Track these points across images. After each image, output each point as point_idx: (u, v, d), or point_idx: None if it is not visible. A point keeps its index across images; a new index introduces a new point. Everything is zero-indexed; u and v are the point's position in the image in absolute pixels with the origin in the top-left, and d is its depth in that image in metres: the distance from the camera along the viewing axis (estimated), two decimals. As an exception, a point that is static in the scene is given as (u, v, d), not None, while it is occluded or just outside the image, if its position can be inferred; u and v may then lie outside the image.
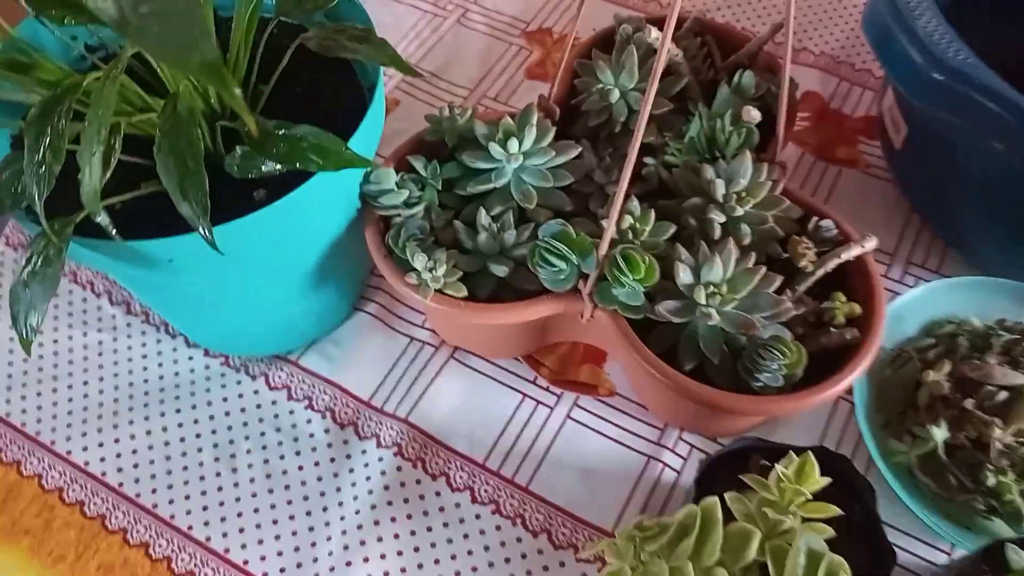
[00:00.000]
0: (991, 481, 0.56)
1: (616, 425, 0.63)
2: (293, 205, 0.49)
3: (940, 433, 0.58)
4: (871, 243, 0.56)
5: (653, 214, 0.56)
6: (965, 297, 0.65)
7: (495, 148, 0.57)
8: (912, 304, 0.64)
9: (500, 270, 0.55)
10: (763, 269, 0.52)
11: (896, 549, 0.48)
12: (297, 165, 0.48)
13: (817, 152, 0.77)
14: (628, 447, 0.62)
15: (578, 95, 0.65)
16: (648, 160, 0.62)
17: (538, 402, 0.64)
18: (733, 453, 0.51)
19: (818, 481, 0.43)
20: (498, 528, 0.58)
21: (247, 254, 0.51)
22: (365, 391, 0.65)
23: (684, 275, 0.52)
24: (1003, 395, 0.59)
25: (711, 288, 0.52)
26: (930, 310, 0.65)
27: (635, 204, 0.56)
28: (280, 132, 0.49)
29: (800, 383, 0.52)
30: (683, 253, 0.53)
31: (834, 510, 0.42)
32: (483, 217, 0.57)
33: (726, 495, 0.43)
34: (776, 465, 0.43)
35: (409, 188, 0.58)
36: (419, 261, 0.53)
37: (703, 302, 0.52)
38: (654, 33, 0.61)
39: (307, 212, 0.52)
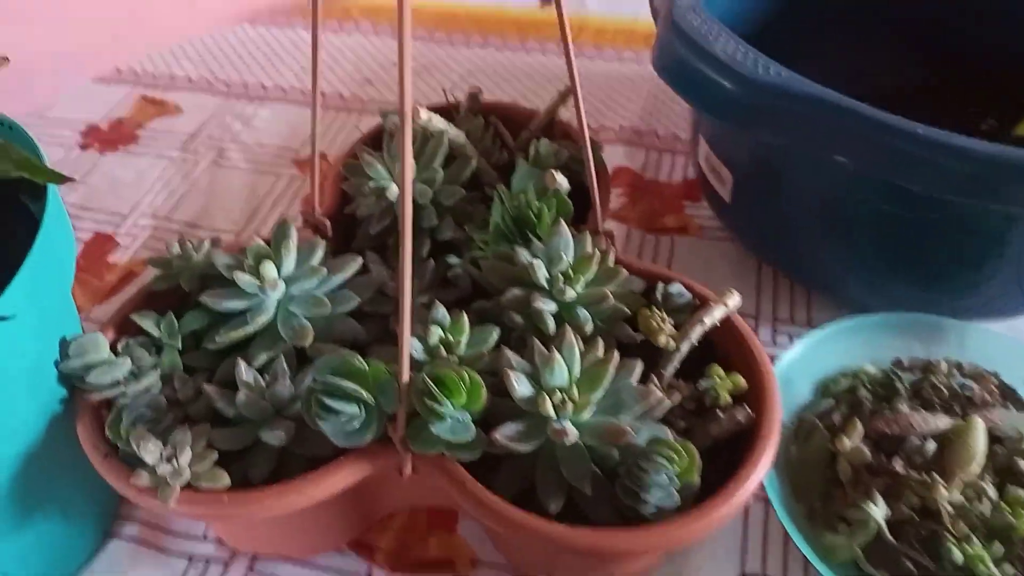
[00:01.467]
0: (956, 556, 0.44)
1: (487, 607, 0.47)
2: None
3: (878, 511, 0.46)
4: (734, 300, 0.46)
5: (467, 319, 0.43)
6: (850, 344, 0.56)
7: (244, 279, 0.43)
8: (797, 364, 0.54)
9: (275, 437, 0.40)
10: (616, 356, 0.40)
11: None
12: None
13: (643, 225, 0.68)
14: (509, 633, 0.46)
15: (351, 203, 0.52)
16: (452, 260, 0.50)
17: (379, 603, 0.47)
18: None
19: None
20: None
21: None
22: (133, 652, 0.45)
23: (520, 386, 0.39)
24: (931, 445, 0.49)
25: (558, 395, 0.39)
26: (818, 367, 0.55)
27: (441, 311, 0.43)
28: None
29: (700, 493, 0.40)
30: (513, 358, 0.40)
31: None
32: (243, 371, 0.42)
33: None
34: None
35: (134, 355, 0.42)
36: (149, 450, 0.37)
37: (552, 415, 0.38)
38: (424, 115, 0.50)
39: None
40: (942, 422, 0.50)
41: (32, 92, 0.81)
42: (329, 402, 0.36)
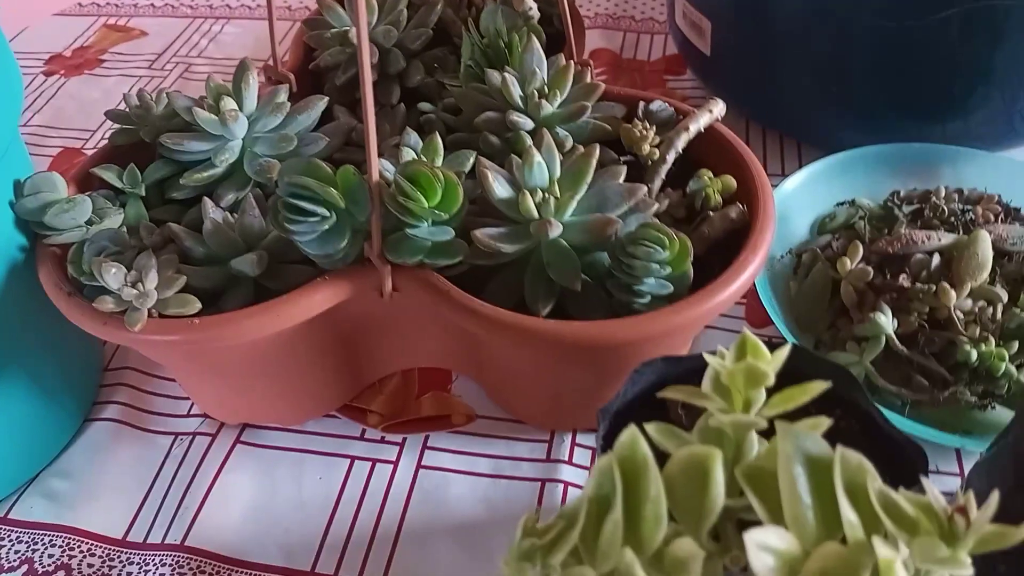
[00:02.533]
0: (972, 357, 0.42)
1: (488, 456, 0.45)
2: None
3: (886, 320, 0.44)
4: (719, 107, 0.44)
5: (440, 142, 0.41)
6: (845, 179, 0.54)
7: (203, 115, 0.41)
8: (792, 200, 0.52)
9: (247, 263, 0.38)
10: (597, 151, 0.38)
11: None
12: None
13: (627, 101, 0.66)
14: (511, 477, 0.44)
15: (314, 58, 0.50)
16: (424, 107, 0.48)
17: (374, 460, 0.45)
18: (637, 399, 0.34)
19: (774, 358, 0.27)
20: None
21: None
22: (117, 528, 0.43)
23: (500, 188, 0.37)
24: (936, 260, 0.47)
25: (540, 194, 0.37)
26: (814, 203, 0.53)
27: (413, 136, 0.41)
28: None
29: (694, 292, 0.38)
30: (491, 164, 0.38)
31: (816, 387, 0.26)
32: (209, 208, 0.40)
33: (647, 426, 0.26)
34: (709, 364, 0.27)
35: (96, 203, 0.40)
36: (112, 275, 0.35)
37: (534, 214, 0.36)
38: (385, -42, 0.48)
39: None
40: (946, 238, 0.48)
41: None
42: (297, 203, 0.34)
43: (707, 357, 0.27)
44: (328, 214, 0.35)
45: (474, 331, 0.36)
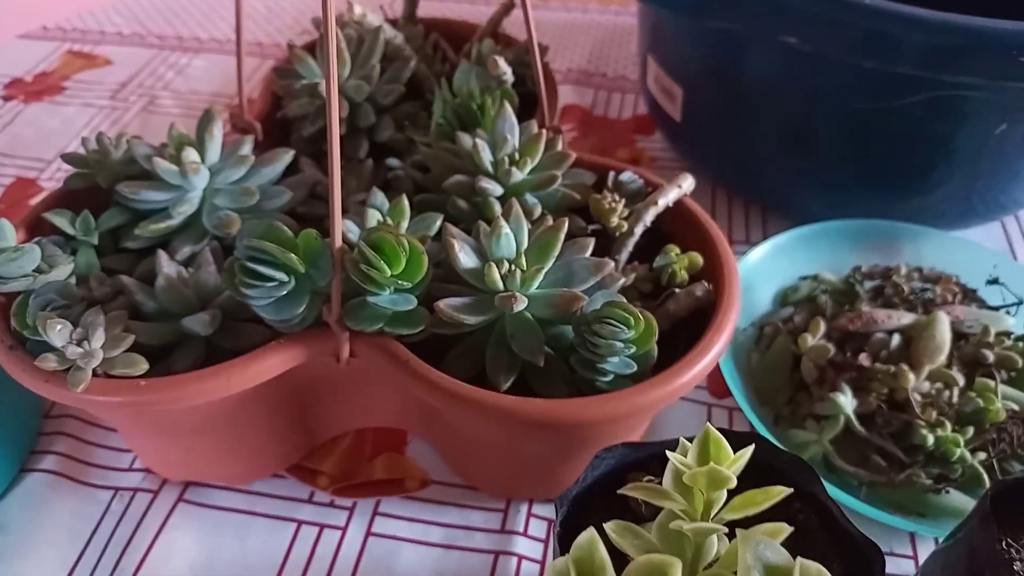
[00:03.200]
0: (928, 441, 0.42)
1: (440, 524, 0.44)
2: None
3: (846, 400, 0.44)
4: (688, 182, 0.44)
5: (407, 204, 0.40)
6: (809, 252, 0.54)
7: (163, 165, 0.39)
8: (755, 272, 0.52)
9: (198, 323, 0.36)
10: (566, 224, 0.37)
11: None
12: None
13: (596, 158, 0.66)
14: (465, 548, 0.43)
15: (283, 106, 0.50)
16: (392, 162, 0.47)
17: (322, 525, 0.44)
18: (597, 484, 0.33)
19: (736, 458, 0.26)
20: None
21: None
22: (48, 587, 0.41)
23: (466, 258, 0.37)
24: (896, 340, 0.47)
25: (506, 266, 0.36)
26: (777, 276, 0.53)
27: (380, 197, 0.40)
28: None
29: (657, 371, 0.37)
30: (457, 232, 0.38)
31: (777, 492, 0.25)
32: (163, 261, 0.39)
33: (606, 526, 0.26)
34: (669, 456, 0.27)
35: (45, 250, 0.39)
36: (57, 332, 0.34)
37: (499, 285, 0.36)
38: (358, 10, 0.48)
39: None
40: (906, 318, 0.48)
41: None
42: (254, 267, 0.33)
43: (669, 455, 0.26)
44: (287, 279, 0.34)
45: (433, 403, 0.35)
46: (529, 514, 0.44)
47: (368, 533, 0.43)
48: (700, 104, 0.57)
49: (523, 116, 0.47)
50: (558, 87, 0.54)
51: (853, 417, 0.44)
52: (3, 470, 0.45)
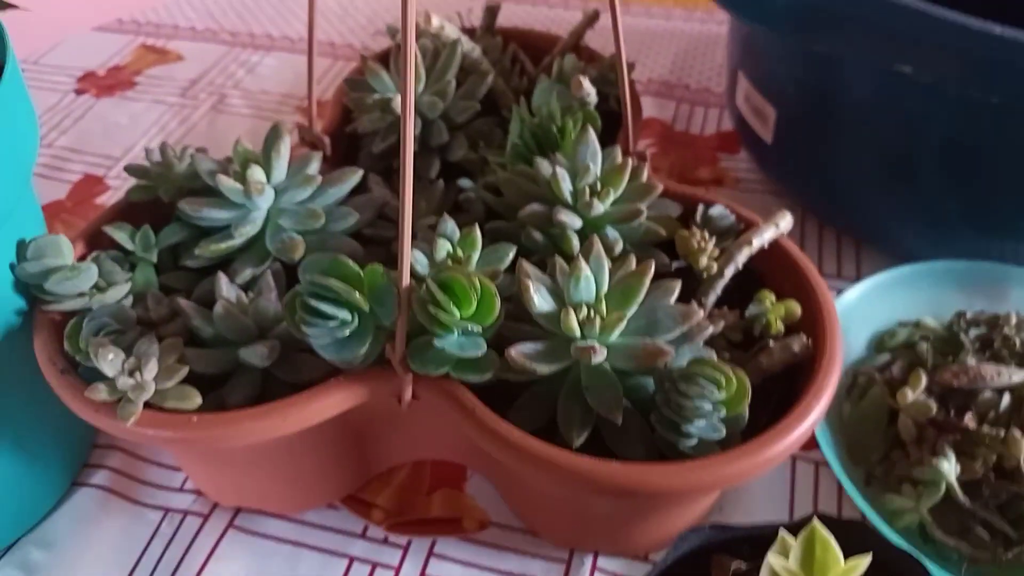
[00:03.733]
0: (1042, 520, 0.38)
1: (499, 571, 0.41)
2: None
3: (949, 467, 0.40)
4: (786, 220, 0.40)
5: (479, 235, 0.37)
6: (908, 295, 0.50)
7: (227, 183, 0.38)
8: (850, 315, 0.48)
9: (256, 355, 0.34)
10: (651, 267, 0.34)
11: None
12: None
13: (675, 177, 0.63)
14: (521, 601, 0.40)
15: (352, 121, 0.47)
16: (464, 183, 0.45)
17: (374, 564, 0.42)
18: (680, 563, 0.30)
19: (849, 568, 0.23)
20: None
21: None
22: (94, 610, 0.40)
23: (540, 299, 0.34)
24: (1006, 399, 0.43)
25: (584, 311, 0.33)
26: (873, 319, 0.49)
27: (450, 225, 0.38)
28: None
29: (747, 434, 0.34)
30: (532, 271, 0.35)
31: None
32: (223, 285, 0.37)
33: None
34: (768, 556, 0.23)
35: (103, 267, 0.37)
36: (109, 360, 0.32)
37: (577, 333, 0.33)
38: (436, 21, 0.45)
39: None
40: (1017, 375, 0.44)
41: (30, 41, 0.77)
42: (317, 305, 0.31)
43: (771, 559, 0.23)
44: (350, 318, 0.32)
45: (498, 458, 0.33)
46: (594, 567, 0.41)
47: (423, 575, 0.41)
48: (795, 126, 0.53)
49: (604, 136, 0.44)
50: (640, 98, 0.51)
51: (956, 485, 0.40)
52: (54, 483, 0.44)
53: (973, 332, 0.48)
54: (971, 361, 0.45)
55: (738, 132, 0.62)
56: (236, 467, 0.40)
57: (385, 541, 0.43)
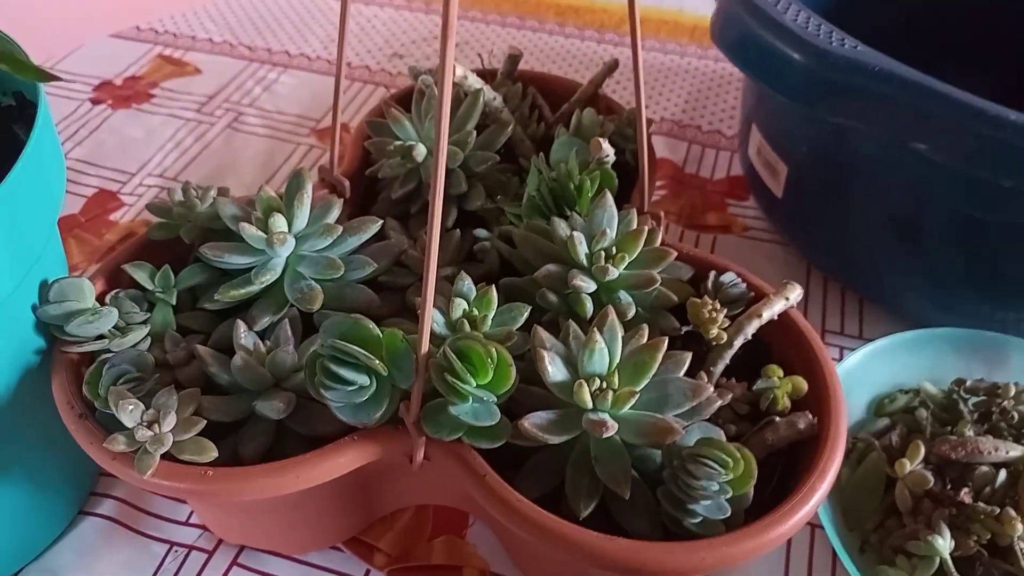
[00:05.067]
0: (1032, 603, 0.39)
1: (495, 622, 0.42)
2: None
3: (944, 544, 0.41)
4: (795, 293, 0.41)
5: (495, 294, 0.38)
6: (909, 360, 0.51)
7: (250, 231, 0.38)
8: (850, 378, 0.49)
9: (271, 408, 0.35)
10: (664, 343, 0.35)
11: None
12: None
13: (683, 221, 0.64)
14: (518, 654, 0.41)
15: (373, 164, 0.48)
16: (480, 233, 0.45)
17: (374, 609, 0.42)
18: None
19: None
20: None
21: None
22: (95, 643, 0.41)
23: (554, 369, 0.34)
24: (1003, 475, 0.43)
25: (597, 383, 0.34)
26: (873, 382, 0.50)
27: (467, 283, 0.38)
28: None
29: (751, 508, 0.35)
30: (547, 338, 0.36)
31: None
32: (242, 333, 0.37)
33: None
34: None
35: (122, 307, 0.38)
36: (128, 412, 0.32)
37: (588, 405, 0.33)
38: (460, 71, 0.46)
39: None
40: (1014, 450, 0.45)
41: (47, 47, 0.78)
42: (336, 369, 0.32)
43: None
44: (368, 383, 0.32)
45: (506, 525, 0.33)
46: (590, 624, 0.42)
47: (421, 623, 0.42)
48: (806, 185, 0.54)
49: (620, 189, 0.45)
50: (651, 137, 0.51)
51: (950, 562, 0.41)
52: (61, 511, 0.44)
53: (972, 401, 0.48)
54: (969, 432, 0.46)
55: (747, 179, 0.62)
56: (244, 512, 0.40)
57: (386, 586, 0.43)
